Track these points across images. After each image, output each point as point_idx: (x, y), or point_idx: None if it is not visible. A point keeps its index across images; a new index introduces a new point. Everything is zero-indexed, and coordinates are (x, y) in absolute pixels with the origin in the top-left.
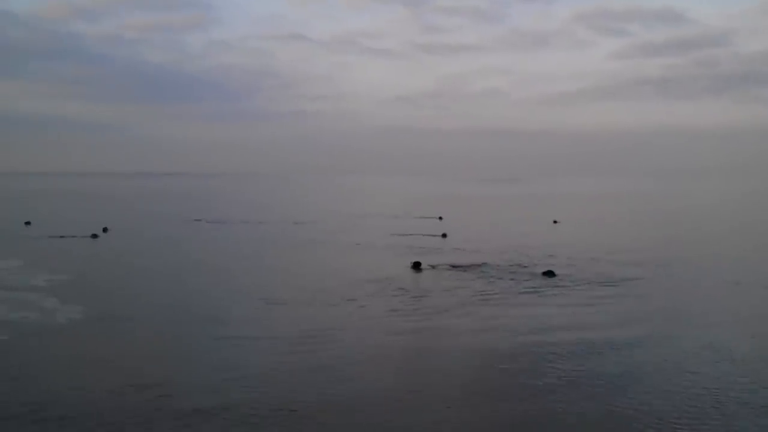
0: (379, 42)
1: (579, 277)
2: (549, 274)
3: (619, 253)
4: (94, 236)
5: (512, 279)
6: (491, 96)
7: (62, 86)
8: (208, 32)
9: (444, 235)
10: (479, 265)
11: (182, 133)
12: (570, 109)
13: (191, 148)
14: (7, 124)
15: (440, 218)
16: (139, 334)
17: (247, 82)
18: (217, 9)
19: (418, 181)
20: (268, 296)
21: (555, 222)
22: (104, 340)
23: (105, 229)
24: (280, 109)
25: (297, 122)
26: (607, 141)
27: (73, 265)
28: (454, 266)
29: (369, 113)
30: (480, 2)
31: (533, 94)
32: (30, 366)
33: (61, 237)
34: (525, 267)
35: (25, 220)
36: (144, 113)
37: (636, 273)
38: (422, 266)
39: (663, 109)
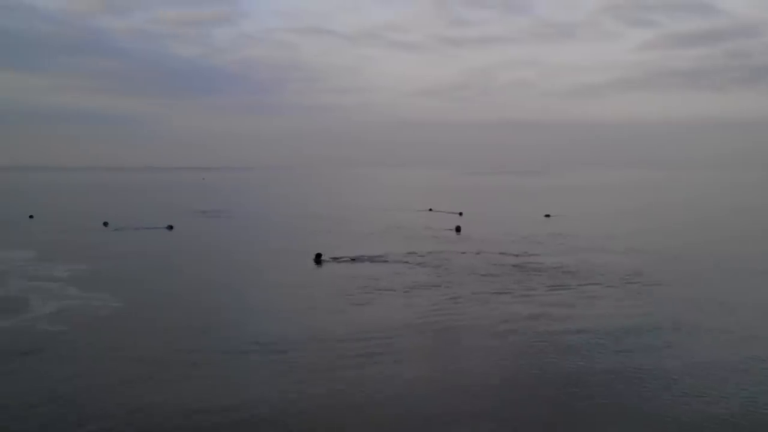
0: (405, 35)
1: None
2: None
3: (610, 244)
4: (170, 228)
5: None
6: (518, 88)
7: (90, 80)
8: (236, 26)
9: (458, 229)
10: (380, 256)
11: (210, 126)
12: (597, 100)
13: (219, 141)
14: (36, 118)
15: (460, 214)
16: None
17: (273, 76)
18: (245, 3)
19: (443, 173)
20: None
21: (547, 216)
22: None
23: (170, 227)
24: (305, 102)
25: (322, 115)
26: (635, 132)
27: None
28: (353, 259)
29: (394, 106)
30: None
31: (560, 86)
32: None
33: (136, 229)
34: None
35: (103, 221)
36: (171, 107)
37: (635, 266)
38: (323, 258)
39: (692, 101)
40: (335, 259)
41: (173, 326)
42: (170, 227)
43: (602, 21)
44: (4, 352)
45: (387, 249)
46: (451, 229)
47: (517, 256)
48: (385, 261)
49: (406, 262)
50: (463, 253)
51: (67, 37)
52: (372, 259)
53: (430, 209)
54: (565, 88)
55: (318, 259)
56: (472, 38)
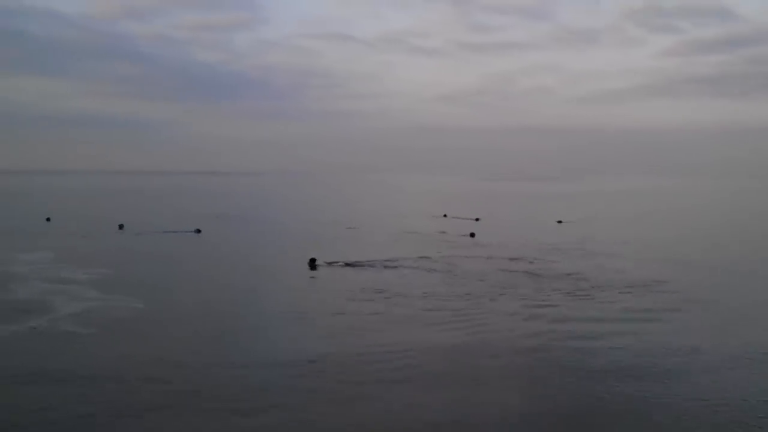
0: (425, 41)
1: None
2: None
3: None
4: (198, 231)
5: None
6: (538, 94)
7: (112, 85)
8: (256, 32)
9: (472, 235)
10: (371, 262)
11: (230, 131)
12: (618, 107)
13: (239, 146)
14: (58, 123)
15: (477, 219)
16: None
17: (293, 81)
18: (265, 9)
19: (461, 179)
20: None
21: (559, 222)
22: None
23: (198, 230)
24: (325, 107)
25: (341, 121)
26: (656, 139)
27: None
28: (348, 264)
29: (413, 112)
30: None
31: (580, 92)
32: None
33: (164, 232)
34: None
35: (119, 223)
36: (192, 112)
37: (652, 273)
38: (317, 263)
39: (713, 108)
40: (329, 263)
41: (194, 331)
42: (198, 231)
43: (624, 27)
44: (28, 352)
45: (399, 254)
46: (465, 235)
47: (531, 262)
48: (397, 266)
49: (417, 268)
50: (477, 258)
51: (90, 42)
52: (385, 264)
53: (445, 215)
54: (585, 94)
55: (312, 264)
56: (492, 44)
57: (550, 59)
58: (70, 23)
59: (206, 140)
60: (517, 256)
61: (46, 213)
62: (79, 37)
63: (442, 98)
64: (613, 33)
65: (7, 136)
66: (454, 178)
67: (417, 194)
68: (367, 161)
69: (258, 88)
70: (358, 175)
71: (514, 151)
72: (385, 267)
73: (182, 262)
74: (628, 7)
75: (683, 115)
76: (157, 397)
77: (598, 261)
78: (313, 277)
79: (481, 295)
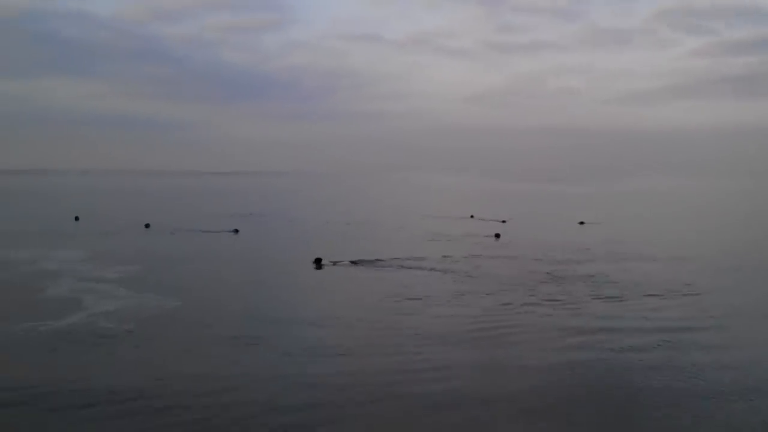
0: (454, 41)
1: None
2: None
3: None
4: (236, 231)
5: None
6: (566, 95)
7: (142, 86)
8: (286, 33)
9: (497, 236)
10: (377, 261)
11: (259, 132)
12: (648, 107)
13: (266, 147)
14: (89, 123)
15: (504, 221)
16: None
17: (322, 82)
18: (294, 10)
19: (489, 179)
20: None
21: (581, 223)
22: None
23: (236, 230)
24: (354, 108)
25: (370, 121)
26: (686, 140)
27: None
28: (353, 262)
29: (442, 112)
30: (558, 0)
31: (610, 93)
32: None
33: (206, 232)
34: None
35: (145, 223)
36: (222, 112)
37: (679, 275)
38: (323, 263)
39: (744, 108)
40: (334, 263)
41: (228, 332)
42: (236, 231)
43: (655, 28)
44: (68, 349)
45: (424, 253)
46: (490, 236)
47: (553, 264)
48: (421, 266)
49: (440, 270)
50: (501, 260)
51: (121, 44)
52: (409, 265)
53: (472, 216)
54: (614, 95)
55: (318, 263)
56: (521, 44)
57: (579, 60)
58: (101, 25)
59: (234, 140)
60: (540, 258)
61: (75, 212)
62: (110, 38)
63: (470, 99)
64: (644, 34)
65: (40, 136)
66: (482, 178)
67: (444, 195)
68: (396, 161)
69: (286, 88)
70: (387, 175)
71: (542, 151)
72: (409, 267)
73: (217, 261)
74: (660, 7)
75: (713, 116)
76: (198, 394)
77: (624, 264)
78: (348, 275)
79: (508, 302)
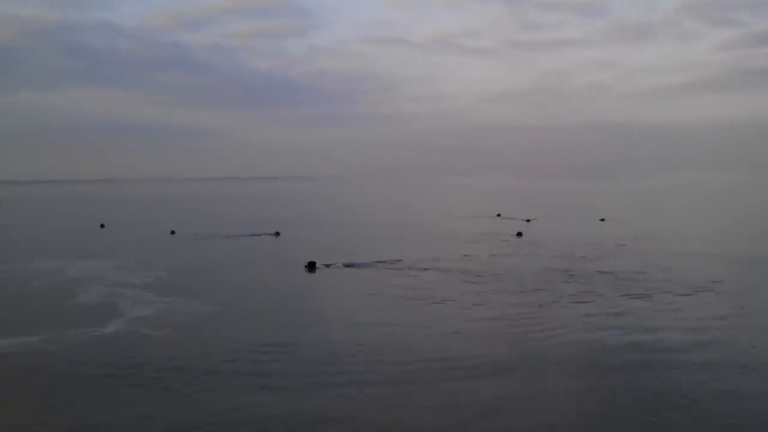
0: (478, 41)
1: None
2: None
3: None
4: (277, 234)
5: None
6: (594, 91)
7: (168, 94)
8: (309, 38)
9: (519, 234)
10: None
11: (284, 137)
12: (676, 102)
13: (293, 152)
14: (116, 132)
15: (528, 220)
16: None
17: (347, 86)
18: (318, 15)
19: (517, 178)
20: None
21: (602, 220)
22: None
23: (277, 233)
24: (379, 111)
25: (396, 124)
26: (715, 134)
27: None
28: (347, 265)
29: (468, 113)
30: None
31: (637, 88)
32: None
33: (251, 235)
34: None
35: (171, 230)
36: (246, 118)
37: (709, 272)
38: (317, 266)
39: None
40: (327, 265)
41: (263, 338)
42: (277, 234)
43: (681, 21)
44: (108, 354)
45: (444, 253)
46: (513, 235)
47: (580, 260)
48: (442, 265)
49: (460, 270)
50: (522, 258)
51: (147, 53)
52: (427, 266)
53: (498, 215)
54: (642, 89)
55: (312, 267)
56: (546, 42)
57: (605, 55)
58: (128, 35)
59: (260, 146)
60: (563, 255)
61: (103, 220)
62: (136, 48)
63: (497, 98)
64: (670, 27)
65: (70, 146)
66: (510, 177)
67: (472, 195)
68: (423, 163)
69: (311, 93)
70: (414, 177)
71: (569, 148)
72: (427, 268)
73: (249, 266)
74: (686, 0)
75: (742, 110)
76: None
77: (650, 260)
78: (381, 277)
79: (530, 302)
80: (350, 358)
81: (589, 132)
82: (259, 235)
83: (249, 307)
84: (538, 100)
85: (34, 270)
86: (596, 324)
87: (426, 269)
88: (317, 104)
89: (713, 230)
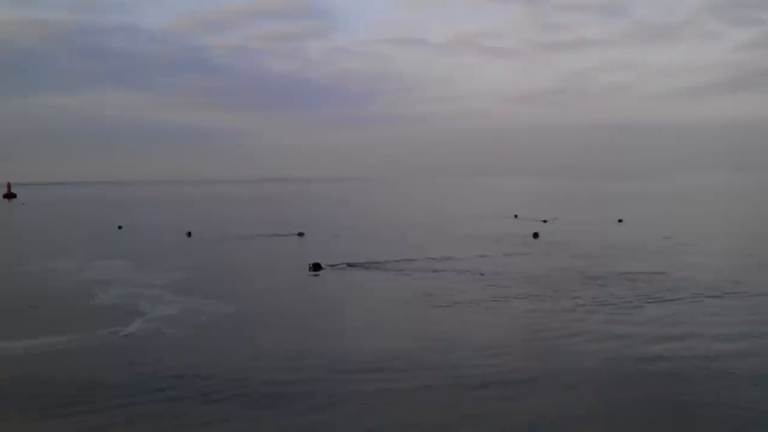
0: (498, 42)
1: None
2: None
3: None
4: (300, 234)
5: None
6: (615, 91)
7: (190, 97)
8: (329, 40)
9: (535, 235)
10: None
11: (305, 139)
12: (698, 102)
13: (314, 153)
14: (140, 135)
15: (545, 221)
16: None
17: (368, 87)
18: (337, 17)
19: (539, 179)
20: None
21: (620, 221)
22: None
23: (301, 234)
24: (400, 112)
25: (417, 125)
26: (738, 134)
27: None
28: (350, 265)
29: (488, 113)
30: None
31: (659, 88)
32: None
33: (274, 235)
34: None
35: (187, 231)
36: (268, 120)
37: (732, 275)
38: (322, 266)
39: None
40: (332, 266)
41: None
42: (301, 234)
43: (703, 21)
44: (131, 354)
45: (458, 254)
46: (528, 236)
47: (599, 262)
48: (455, 266)
49: (470, 270)
50: (538, 258)
51: (169, 56)
52: (439, 267)
53: (516, 216)
54: (664, 90)
55: (317, 268)
56: (567, 42)
57: (627, 56)
58: (150, 38)
59: (281, 148)
60: (579, 256)
61: (123, 222)
62: (158, 50)
63: (518, 99)
64: (692, 27)
65: (92, 149)
66: (530, 178)
67: (492, 196)
68: (444, 164)
69: (332, 95)
70: (435, 178)
71: (591, 149)
72: (441, 270)
73: (271, 266)
74: (708, 0)
75: (764, 109)
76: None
77: (672, 262)
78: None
79: (548, 306)
80: (368, 365)
81: (613, 132)
82: (284, 235)
83: (267, 309)
84: (560, 101)
85: (53, 270)
86: (620, 330)
87: (439, 270)
88: (338, 105)
89: (735, 231)
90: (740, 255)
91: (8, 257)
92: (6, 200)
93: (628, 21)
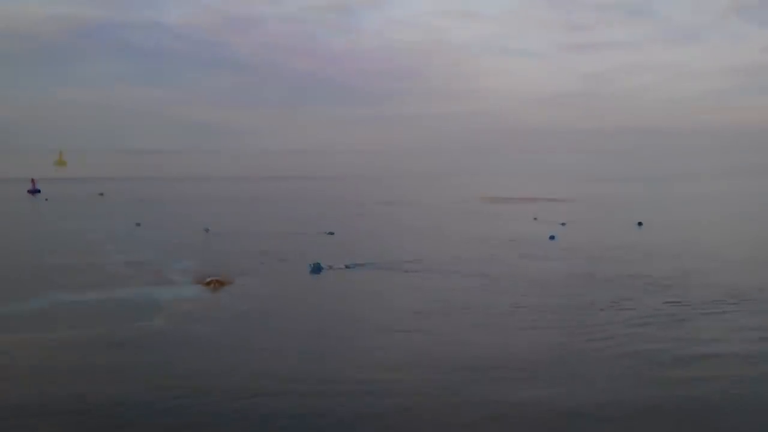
0: (522, 42)
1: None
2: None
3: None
4: (331, 234)
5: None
6: (639, 93)
7: (214, 93)
8: (345, 40)
9: (552, 237)
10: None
11: (327, 136)
12: (724, 104)
13: (336, 152)
14: (169, 132)
15: (563, 224)
16: None
17: (390, 86)
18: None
19: (564, 181)
20: None
21: (640, 224)
22: None
23: (331, 233)
24: (422, 112)
25: (438, 124)
26: (765, 138)
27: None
28: (347, 266)
29: (511, 114)
30: None
31: (684, 90)
32: None
33: (302, 233)
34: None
35: (205, 227)
36: (289, 116)
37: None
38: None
39: None
40: (331, 267)
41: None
42: (331, 233)
43: (729, 22)
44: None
45: (468, 255)
46: (544, 239)
47: (617, 266)
48: (467, 268)
49: (488, 272)
50: (554, 263)
51: (193, 52)
52: (447, 269)
53: (535, 218)
54: (689, 92)
55: (317, 269)
56: (592, 43)
57: (651, 57)
58: (175, 35)
59: (306, 145)
60: (597, 259)
61: (144, 219)
62: (182, 47)
63: (541, 100)
64: (718, 29)
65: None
66: (555, 180)
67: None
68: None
69: (353, 95)
70: (455, 179)
71: (615, 152)
72: (454, 271)
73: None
74: (734, 1)
75: None
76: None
77: (692, 266)
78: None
79: (555, 297)
80: (386, 366)
81: (637, 135)
82: (315, 234)
83: (284, 311)
84: (583, 103)
85: (73, 266)
86: (642, 334)
87: (452, 272)
88: (359, 105)
89: (759, 236)
90: (763, 261)
91: (27, 248)
92: (30, 195)
93: (653, 22)
